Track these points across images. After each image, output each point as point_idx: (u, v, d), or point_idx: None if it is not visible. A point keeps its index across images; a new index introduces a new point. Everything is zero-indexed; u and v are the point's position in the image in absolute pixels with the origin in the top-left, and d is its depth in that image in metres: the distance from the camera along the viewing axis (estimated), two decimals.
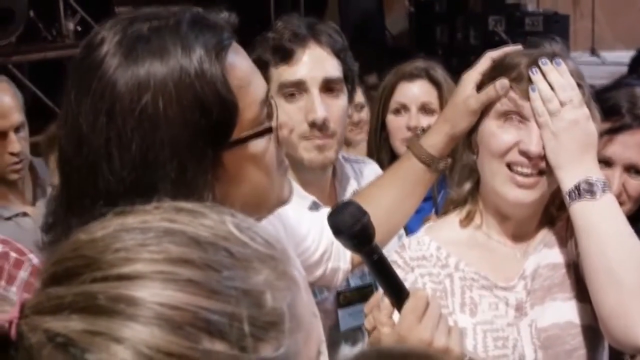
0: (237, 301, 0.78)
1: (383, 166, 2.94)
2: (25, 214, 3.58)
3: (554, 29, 10.58)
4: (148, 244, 0.80)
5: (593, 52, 12.24)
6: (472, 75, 1.88)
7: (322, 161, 2.26)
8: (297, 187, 2.13)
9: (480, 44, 10.83)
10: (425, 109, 3.07)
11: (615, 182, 2.17)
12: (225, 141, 1.27)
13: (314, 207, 2.27)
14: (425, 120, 3.00)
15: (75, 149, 1.27)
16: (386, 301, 1.57)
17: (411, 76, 3.10)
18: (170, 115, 1.22)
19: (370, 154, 3.17)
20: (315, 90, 2.21)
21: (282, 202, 1.45)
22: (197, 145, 1.24)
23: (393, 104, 3.11)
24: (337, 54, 2.26)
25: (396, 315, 1.57)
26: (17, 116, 3.53)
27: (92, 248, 0.81)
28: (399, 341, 1.53)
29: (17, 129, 3.52)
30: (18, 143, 3.51)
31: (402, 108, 3.09)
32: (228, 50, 1.29)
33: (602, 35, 12.31)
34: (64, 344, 0.74)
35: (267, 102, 1.35)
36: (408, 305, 1.54)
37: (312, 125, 2.20)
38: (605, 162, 2.14)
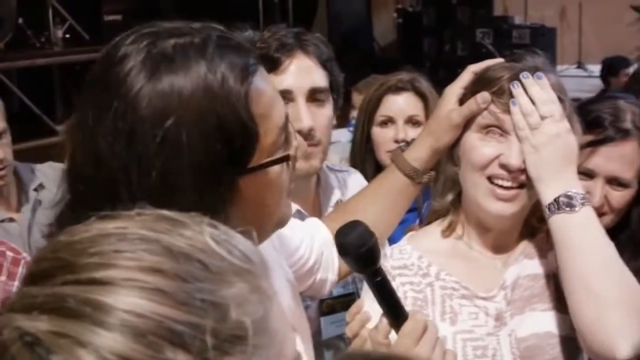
0: (203, 313, 0.78)
1: (367, 178, 2.96)
2: (11, 220, 3.58)
3: (541, 42, 10.66)
4: (123, 250, 0.80)
5: (580, 65, 12.31)
6: (455, 89, 1.89)
7: (307, 170, 2.27)
8: None
9: (467, 56, 10.89)
10: (411, 121, 3.08)
11: (597, 194, 2.18)
12: (244, 167, 1.26)
13: (298, 216, 2.29)
14: (412, 133, 3.00)
15: (91, 167, 1.24)
16: (384, 321, 1.59)
17: (397, 89, 3.11)
18: (192, 141, 1.19)
19: (354, 165, 3.17)
20: (301, 100, 2.22)
21: (284, 222, 1.45)
22: (216, 172, 1.22)
23: (379, 117, 3.12)
24: (324, 64, 2.28)
25: (393, 336, 1.59)
26: (0, 123, 3.52)
27: (69, 250, 0.82)
28: None
29: None
30: (1, 149, 3.50)
31: (389, 120, 3.10)
32: (254, 76, 1.27)
33: (589, 48, 12.38)
34: (31, 343, 0.75)
35: (286, 128, 1.34)
36: (406, 327, 1.56)
37: (298, 134, 2.22)
38: (588, 174, 2.15)
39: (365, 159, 3.17)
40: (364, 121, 3.17)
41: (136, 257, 0.80)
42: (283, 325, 0.87)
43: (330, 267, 1.98)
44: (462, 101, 1.86)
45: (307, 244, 1.90)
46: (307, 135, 2.22)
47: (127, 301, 0.76)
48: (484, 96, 1.80)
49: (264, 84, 1.30)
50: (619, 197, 2.21)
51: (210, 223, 0.87)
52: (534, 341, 1.82)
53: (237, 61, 1.25)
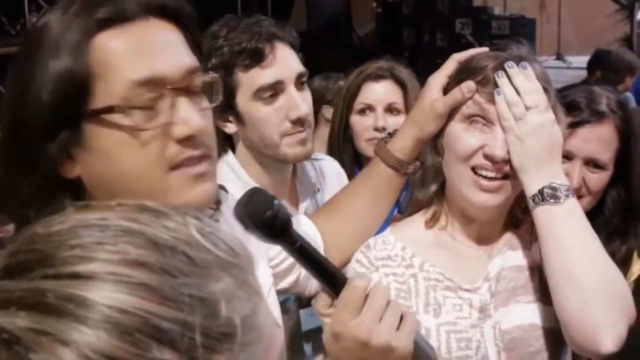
0: (191, 309, 0.75)
1: (345, 167, 2.93)
2: None
3: (520, 33, 10.67)
4: (105, 242, 0.77)
5: (559, 56, 12.37)
6: (438, 78, 1.87)
7: (305, 153, 2.29)
8: None
9: (447, 46, 10.93)
10: (390, 109, 3.06)
11: (575, 176, 2.21)
12: (81, 111, 1.24)
13: None
14: (391, 120, 3.00)
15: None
16: (322, 293, 1.46)
17: (376, 77, 3.10)
18: (40, 70, 1.24)
19: (332, 154, 3.14)
20: (292, 88, 2.22)
21: (183, 202, 1.29)
22: (60, 108, 1.23)
23: (358, 105, 3.10)
24: (294, 47, 2.28)
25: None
26: None
27: (47, 242, 0.78)
28: (335, 338, 1.42)
29: None
30: None
31: (368, 108, 3.08)
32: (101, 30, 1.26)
33: (568, 39, 12.45)
34: (9, 341, 0.72)
35: (150, 88, 1.26)
36: (342, 296, 1.40)
37: (296, 121, 2.22)
38: (566, 156, 2.16)
39: (344, 148, 3.15)
40: (343, 109, 3.14)
41: (119, 249, 0.76)
42: (269, 320, 0.84)
43: None
44: (446, 90, 1.84)
45: (303, 222, 1.87)
46: (305, 121, 2.23)
47: (110, 296, 0.73)
48: (468, 85, 1.78)
49: (113, 40, 1.27)
50: (596, 179, 2.24)
51: (194, 215, 0.84)
52: (518, 333, 1.81)
53: (98, 13, 1.26)
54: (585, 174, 2.24)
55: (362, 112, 3.10)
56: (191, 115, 1.27)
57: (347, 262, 1.94)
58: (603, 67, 7.97)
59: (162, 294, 0.74)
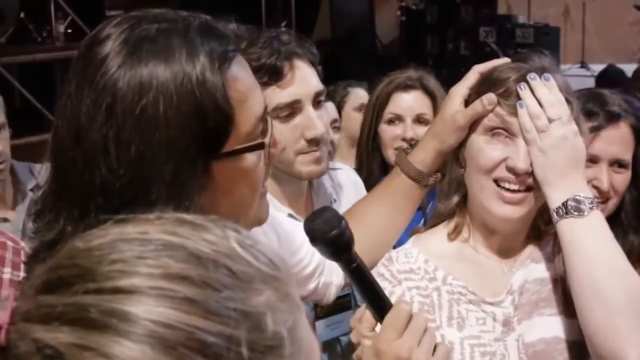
0: (236, 323, 0.75)
1: (374, 176, 2.93)
2: (5, 220, 3.54)
3: (544, 41, 10.64)
4: (146, 257, 0.77)
5: (583, 64, 12.29)
6: (460, 90, 1.86)
7: (320, 171, 2.28)
8: (273, 200, 2.12)
9: (470, 54, 10.89)
10: (419, 119, 3.08)
11: (604, 179, 2.22)
12: (218, 151, 1.27)
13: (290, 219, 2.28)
14: (420, 130, 3.02)
15: (73, 140, 1.26)
16: (368, 313, 1.55)
17: (406, 87, 3.11)
18: (169, 118, 1.22)
19: (360, 163, 3.17)
20: (309, 107, 2.20)
21: (260, 221, 1.44)
22: (191, 152, 1.23)
23: (387, 114, 3.12)
24: (314, 63, 2.26)
25: (379, 328, 1.55)
26: None
27: (87, 257, 0.78)
28: (377, 356, 1.49)
29: None
30: (0, 143, 3.48)
31: (397, 118, 3.10)
32: (232, 62, 1.28)
33: (592, 48, 12.38)
34: (52, 356, 0.72)
35: (264, 118, 1.34)
36: (388, 317, 1.50)
37: (311, 141, 2.20)
38: (591, 160, 2.18)
39: (372, 157, 3.16)
40: (372, 118, 3.16)
41: (161, 264, 0.76)
42: (309, 333, 0.84)
43: (334, 270, 1.95)
44: (467, 102, 1.83)
45: (308, 246, 1.87)
46: (320, 140, 2.21)
47: (154, 311, 0.73)
48: (490, 98, 1.77)
49: (242, 71, 1.32)
50: (622, 179, 2.27)
51: (233, 227, 0.84)
52: (542, 346, 1.80)
53: (216, 47, 1.27)
54: (611, 175, 2.25)
55: (390, 121, 3.12)
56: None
57: None
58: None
59: (206, 308, 0.74)
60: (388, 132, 3.11)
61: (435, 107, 3.02)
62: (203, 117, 1.23)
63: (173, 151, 1.22)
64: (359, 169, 3.19)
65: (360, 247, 1.97)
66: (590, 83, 9.83)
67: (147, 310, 0.73)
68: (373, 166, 3.11)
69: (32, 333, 0.74)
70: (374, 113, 3.15)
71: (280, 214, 2.19)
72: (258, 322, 0.76)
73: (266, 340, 0.76)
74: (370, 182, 2.74)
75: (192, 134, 1.23)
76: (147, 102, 1.21)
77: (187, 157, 1.23)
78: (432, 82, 3.12)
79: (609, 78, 8.23)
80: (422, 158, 1.92)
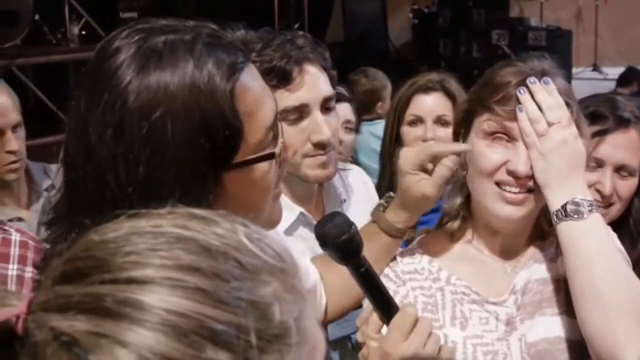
0: (244, 313, 0.77)
1: (396, 176, 2.96)
2: (20, 219, 3.58)
3: (556, 44, 10.61)
4: (159, 249, 0.79)
5: (595, 67, 12.26)
6: (410, 160, 1.87)
7: (327, 175, 2.29)
8: (285, 199, 2.14)
9: (483, 57, 10.87)
10: (440, 121, 3.11)
11: (607, 183, 2.23)
12: (228, 164, 1.27)
13: (302, 218, 2.31)
14: (440, 132, 3.07)
15: (82, 156, 1.26)
16: (374, 315, 1.58)
17: (426, 89, 3.15)
18: (177, 136, 1.21)
19: (384, 164, 3.22)
20: (317, 111, 2.21)
21: (273, 223, 1.45)
22: (201, 166, 1.24)
23: (408, 116, 3.16)
24: (325, 67, 2.26)
25: (385, 330, 1.58)
26: (15, 115, 3.53)
27: (103, 249, 0.81)
28: (383, 357, 1.53)
29: (13, 128, 3.52)
30: (15, 142, 3.51)
31: (418, 120, 3.14)
32: (241, 73, 1.28)
33: (605, 50, 12.34)
34: (69, 343, 0.74)
35: (274, 125, 1.35)
36: (394, 320, 1.55)
37: (317, 145, 2.22)
38: (596, 163, 2.19)
39: (395, 158, 3.19)
40: (394, 120, 3.21)
41: (173, 255, 0.79)
42: (315, 324, 0.87)
43: (318, 305, 1.98)
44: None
45: (305, 263, 1.90)
46: (327, 145, 2.22)
47: (167, 300, 0.76)
48: (451, 160, 1.81)
49: (251, 81, 1.31)
50: (627, 185, 2.26)
51: (242, 222, 0.86)
52: (544, 346, 1.81)
53: (224, 58, 1.27)
54: (616, 181, 2.25)
55: (412, 123, 3.16)
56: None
57: (340, 314, 2.06)
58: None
59: (216, 298, 0.77)
60: (410, 133, 3.15)
61: None
62: (211, 132, 1.23)
63: (181, 168, 1.22)
64: (382, 171, 3.26)
65: (338, 290, 2.00)
66: (603, 86, 9.81)
67: (160, 299, 0.75)
68: (395, 167, 3.14)
69: (49, 322, 0.76)
70: (396, 115, 3.20)
71: (291, 213, 2.23)
72: (265, 312, 0.79)
73: (273, 329, 0.79)
74: (393, 183, 2.77)
75: (201, 148, 1.23)
76: (154, 120, 1.21)
77: (197, 173, 1.24)
78: (454, 85, 3.14)
79: (631, 78, 8.22)
80: (400, 219, 1.93)
